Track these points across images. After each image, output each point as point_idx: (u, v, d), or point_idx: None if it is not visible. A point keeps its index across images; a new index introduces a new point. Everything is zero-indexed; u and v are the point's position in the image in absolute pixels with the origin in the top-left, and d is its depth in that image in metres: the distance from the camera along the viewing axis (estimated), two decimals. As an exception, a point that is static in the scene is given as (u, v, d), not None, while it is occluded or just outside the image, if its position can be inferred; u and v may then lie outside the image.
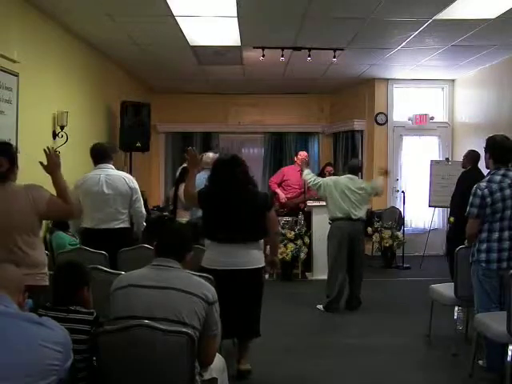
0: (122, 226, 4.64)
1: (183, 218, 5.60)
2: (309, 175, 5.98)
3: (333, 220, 5.71)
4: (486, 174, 3.95)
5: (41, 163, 3.18)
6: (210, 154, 5.68)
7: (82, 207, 3.27)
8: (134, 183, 4.72)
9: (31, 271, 2.95)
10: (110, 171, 4.65)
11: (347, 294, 5.72)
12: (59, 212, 3.22)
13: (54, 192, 3.32)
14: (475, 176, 5.67)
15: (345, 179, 5.73)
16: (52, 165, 3.18)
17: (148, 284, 2.45)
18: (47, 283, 3.03)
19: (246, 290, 3.72)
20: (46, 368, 1.68)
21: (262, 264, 3.86)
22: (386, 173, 6.39)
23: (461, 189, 5.90)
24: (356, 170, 5.89)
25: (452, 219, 6.29)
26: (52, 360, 1.70)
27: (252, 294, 3.79)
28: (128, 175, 4.82)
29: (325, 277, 5.87)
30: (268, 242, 4.06)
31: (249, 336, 3.89)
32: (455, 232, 5.96)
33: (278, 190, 7.84)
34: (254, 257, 3.78)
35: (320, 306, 5.66)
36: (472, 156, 6.11)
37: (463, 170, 6.15)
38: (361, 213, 5.62)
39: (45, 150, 3.21)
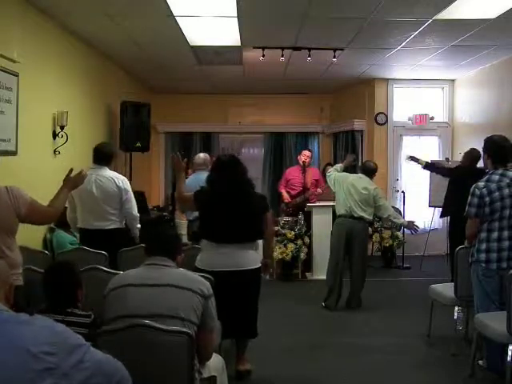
0: (113, 226, 4.62)
1: (182, 218, 5.59)
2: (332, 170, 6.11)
3: (337, 217, 5.80)
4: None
5: (70, 171, 3.44)
6: (201, 155, 5.65)
7: (58, 213, 3.36)
8: (125, 184, 4.66)
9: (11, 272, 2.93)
10: (101, 171, 4.64)
11: (348, 293, 5.74)
12: (38, 218, 3.21)
13: (51, 195, 3.34)
14: (468, 172, 5.68)
15: (353, 177, 5.81)
16: (75, 183, 3.49)
17: (144, 283, 2.46)
18: (22, 283, 3.00)
19: (242, 290, 3.71)
20: (33, 376, 1.48)
21: (259, 265, 3.86)
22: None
23: (451, 186, 6.01)
24: (369, 172, 5.83)
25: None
26: (42, 364, 1.49)
27: (248, 295, 3.78)
28: (120, 176, 4.75)
29: (325, 276, 5.88)
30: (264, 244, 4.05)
31: (246, 336, 3.89)
32: (453, 231, 6.01)
33: (283, 191, 8.06)
34: (251, 257, 3.77)
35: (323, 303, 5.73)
36: (469, 155, 6.11)
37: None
38: (364, 213, 5.60)
39: (80, 172, 3.52)
